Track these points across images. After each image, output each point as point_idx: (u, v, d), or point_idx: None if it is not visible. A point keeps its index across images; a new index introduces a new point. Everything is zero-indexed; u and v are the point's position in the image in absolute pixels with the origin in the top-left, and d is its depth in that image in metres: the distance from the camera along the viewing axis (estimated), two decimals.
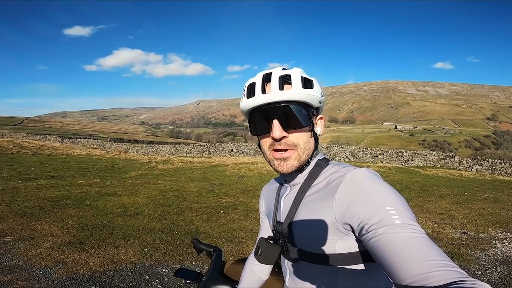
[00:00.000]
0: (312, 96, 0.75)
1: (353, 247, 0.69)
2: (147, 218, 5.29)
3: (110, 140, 40.89)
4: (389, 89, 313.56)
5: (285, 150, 0.76)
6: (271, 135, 0.75)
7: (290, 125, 0.74)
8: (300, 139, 0.76)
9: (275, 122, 0.74)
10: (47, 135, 41.24)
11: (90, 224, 4.74)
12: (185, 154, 24.97)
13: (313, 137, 0.79)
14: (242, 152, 23.43)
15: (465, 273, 0.49)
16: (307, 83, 0.76)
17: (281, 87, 0.73)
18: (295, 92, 0.73)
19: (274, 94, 0.73)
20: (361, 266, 0.70)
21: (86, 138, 42.98)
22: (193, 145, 26.50)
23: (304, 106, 0.75)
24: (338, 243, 0.69)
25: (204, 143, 31.89)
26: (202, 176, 12.14)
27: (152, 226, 4.79)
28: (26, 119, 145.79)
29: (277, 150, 0.77)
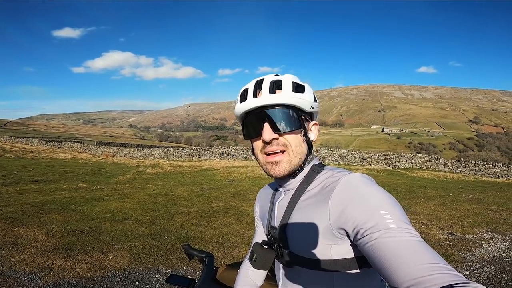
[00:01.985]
0: (302, 100, 0.77)
1: (349, 252, 0.69)
2: (135, 223, 5.18)
3: (96, 144, 40.01)
4: (377, 93, 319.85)
5: (277, 153, 0.77)
6: (262, 137, 0.76)
7: (280, 127, 0.75)
8: (292, 141, 0.77)
9: (266, 125, 0.75)
10: (31, 138, 40.10)
11: (76, 229, 4.61)
12: (174, 158, 24.71)
13: (305, 142, 0.80)
14: (233, 155, 23.36)
15: (462, 275, 0.49)
16: (298, 88, 0.77)
17: (272, 91, 0.75)
18: (284, 96, 0.75)
19: (264, 98, 0.75)
20: (354, 271, 0.70)
21: (71, 141, 41.94)
22: (183, 149, 26.27)
23: (295, 109, 0.76)
24: (334, 248, 0.69)
25: (194, 147, 31.67)
26: (192, 180, 12.02)
27: (141, 231, 4.70)
28: (9, 121, 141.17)
29: (269, 154, 0.77)
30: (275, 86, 0.76)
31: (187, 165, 17.67)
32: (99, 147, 32.29)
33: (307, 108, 0.78)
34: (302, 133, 0.78)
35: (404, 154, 21.31)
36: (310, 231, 0.71)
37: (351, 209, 0.65)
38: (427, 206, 6.71)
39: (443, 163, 19.67)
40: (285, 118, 0.75)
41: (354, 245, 0.67)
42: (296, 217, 0.76)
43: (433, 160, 20.09)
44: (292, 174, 0.80)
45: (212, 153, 23.95)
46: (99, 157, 24.58)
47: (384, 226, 0.59)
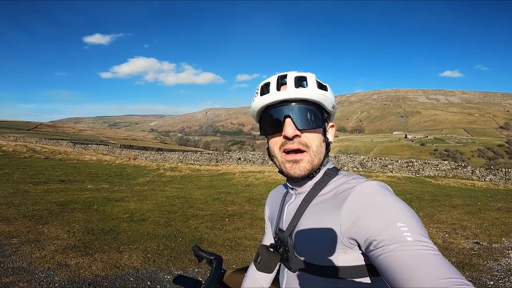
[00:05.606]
0: (326, 98, 0.75)
1: (356, 260, 0.66)
2: (152, 224, 5.29)
3: (120, 147, 41.53)
4: (399, 98, 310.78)
5: (297, 151, 0.74)
6: (283, 133, 0.73)
7: (303, 124, 0.72)
8: (313, 141, 0.74)
9: (288, 121, 0.72)
10: (60, 140, 42.22)
11: (96, 228, 4.77)
12: (192, 161, 25.11)
13: (325, 143, 0.77)
14: (250, 160, 23.42)
15: None
16: (321, 86, 0.76)
17: (298, 86, 0.73)
18: (311, 91, 0.73)
19: (290, 91, 0.72)
20: (362, 280, 0.67)
21: (97, 144, 43.77)
22: (201, 153, 26.69)
23: (318, 107, 0.75)
24: (341, 256, 0.67)
25: (211, 151, 32.10)
26: (208, 184, 12.15)
27: (157, 232, 4.79)
28: (40, 124, 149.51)
29: (288, 152, 0.74)
30: (301, 81, 0.74)
31: (205, 169, 17.89)
32: (122, 150, 33.47)
33: (329, 107, 0.77)
34: (323, 132, 0.77)
35: (428, 161, 20.47)
36: (318, 238, 0.69)
37: (365, 219, 0.62)
38: (452, 214, 6.39)
39: (470, 171, 18.71)
40: (309, 114, 0.73)
41: (363, 254, 0.65)
42: (305, 222, 0.74)
43: (460, 168, 19.15)
44: (310, 176, 0.77)
45: (230, 158, 24.13)
46: (121, 159, 25.46)
47: (401, 238, 0.56)
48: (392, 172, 19.84)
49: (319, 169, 0.77)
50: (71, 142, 40.85)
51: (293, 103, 0.73)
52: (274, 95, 0.73)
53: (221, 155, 25.05)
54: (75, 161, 21.30)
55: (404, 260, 0.53)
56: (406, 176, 17.41)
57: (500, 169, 18.51)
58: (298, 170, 0.73)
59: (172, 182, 12.70)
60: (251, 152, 24.70)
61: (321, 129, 0.76)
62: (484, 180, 17.76)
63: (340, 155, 22.55)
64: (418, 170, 19.65)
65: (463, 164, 19.90)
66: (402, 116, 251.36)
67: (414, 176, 17.66)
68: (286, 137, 0.73)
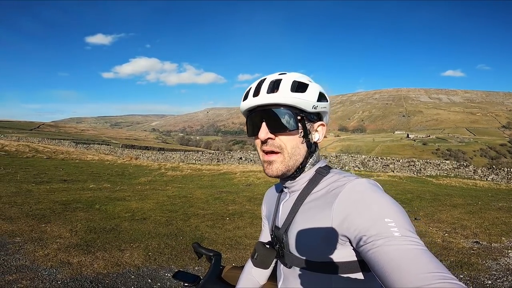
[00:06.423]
0: (301, 100, 0.75)
1: (349, 256, 0.69)
2: (153, 223, 5.33)
3: (122, 146, 41.67)
4: (401, 97, 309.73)
5: (272, 152, 0.77)
6: (258, 136, 0.77)
7: (276, 127, 0.75)
8: (288, 143, 0.76)
9: (263, 124, 0.76)
10: (62, 140, 42.33)
11: (98, 227, 4.81)
12: (194, 161, 25.15)
13: (305, 143, 0.78)
14: (251, 160, 23.43)
15: (464, 285, 0.49)
16: (299, 88, 0.76)
17: (271, 91, 0.75)
18: (281, 96, 0.74)
19: (261, 97, 0.76)
20: (355, 275, 0.69)
21: (99, 143, 43.94)
22: (202, 153, 26.71)
23: (294, 110, 0.75)
24: (334, 252, 0.69)
25: (213, 151, 32.18)
26: (210, 184, 12.18)
27: (158, 231, 4.82)
28: (43, 124, 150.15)
29: (267, 153, 0.78)
30: (275, 85, 0.76)
31: (206, 169, 17.92)
32: (124, 150, 33.60)
33: (308, 108, 0.77)
34: (301, 134, 0.77)
35: (430, 161, 20.40)
36: (312, 235, 0.72)
37: (354, 216, 0.64)
38: (452, 214, 6.39)
39: (472, 171, 18.66)
40: (281, 118, 0.74)
41: (355, 250, 0.67)
42: (299, 220, 0.76)
43: (461, 167, 19.09)
44: (291, 176, 0.79)
45: (231, 158, 24.16)
46: (123, 159, 25.53)
47: (388, 234, 0.58)
48: (393, 171, 19.80)
49: (300, 169, 0.79)
50: (73, 142, 40.99)
51: (268, 108, 0.76)
52: (250, 101, 0.78)
53: (222, 154, 25.09)
54: (77, 160, 21.39)
55: (391, 255, 0.55)
56: (407, 175, 17.38)
57: (502, 168, 18.43)
58: (271, 170, 0.77)
59: (173, 182, 12.74)
60: (253, 152, 24.70)
61: (296, 131, 0.76)
62: (486, 179, 17.70)
63: (342, 155, 22.53)
64: (420, 169, 19.61)
65: (465, 164, 19.84)
66: (404, 116, 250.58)
67: (415, 176, 17.62)
68: (261, 140, 0.77)
